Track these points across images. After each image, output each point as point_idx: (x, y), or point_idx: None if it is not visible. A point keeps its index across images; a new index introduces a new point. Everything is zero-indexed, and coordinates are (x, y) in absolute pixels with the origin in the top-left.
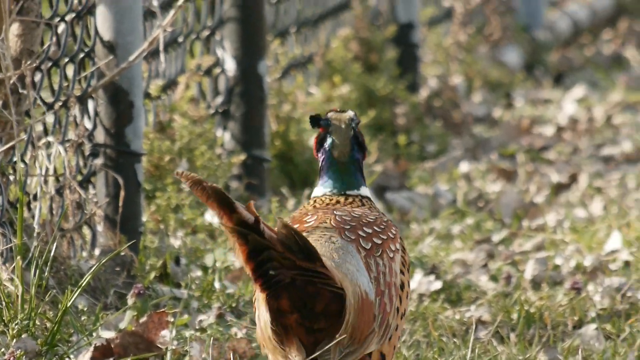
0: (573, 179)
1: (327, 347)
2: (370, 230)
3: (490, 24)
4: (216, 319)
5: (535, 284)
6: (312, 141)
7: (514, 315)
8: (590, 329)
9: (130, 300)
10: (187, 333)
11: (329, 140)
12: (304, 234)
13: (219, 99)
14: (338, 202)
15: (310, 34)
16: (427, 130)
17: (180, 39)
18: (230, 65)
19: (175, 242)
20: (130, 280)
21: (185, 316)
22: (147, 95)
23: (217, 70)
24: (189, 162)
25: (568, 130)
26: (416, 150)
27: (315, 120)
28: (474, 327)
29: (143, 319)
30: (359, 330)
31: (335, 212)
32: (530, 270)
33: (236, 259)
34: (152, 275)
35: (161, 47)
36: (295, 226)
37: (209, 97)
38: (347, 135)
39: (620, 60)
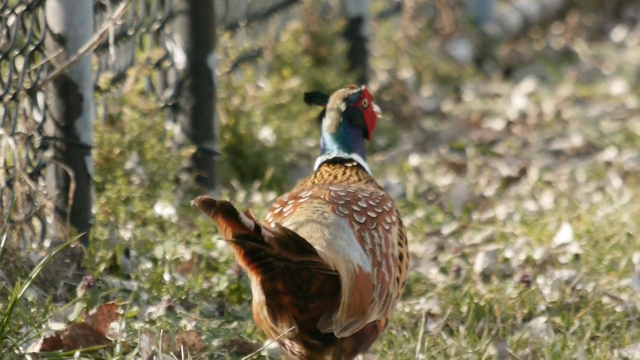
0: (523, 172)
1: (329, 320)
2: (364, 205)
3: (441, 17)
4: (166, 311)
5: (485, 276)
6: (261, 134)
7: (464, 308)
8: (539, 322)
9: (79, 292)
10: (137, 325)
11: (323, 119)
12: (299, 208)
13: (169, 92)
14: (335, 177)
15: (260, 27)
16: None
17: (130, 32)
18: (180, 59)
19: (125, 234)
20: (80, 272)
21: (135, 308)
22: (97, 88)
23: (167, 64)
24: (139, 155)
25: (518, 124)
26: (366, 143)
27: (310, 97)
28: (423, 320)
29: (93, 311)
30: (356, 305)
31: (330, 187)
32: (480, 263)
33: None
34: (102, 267)
35: (111, 40)
36: (291, 202)
37: (158, 90)
38: (338, 112)
39: (569, 54)
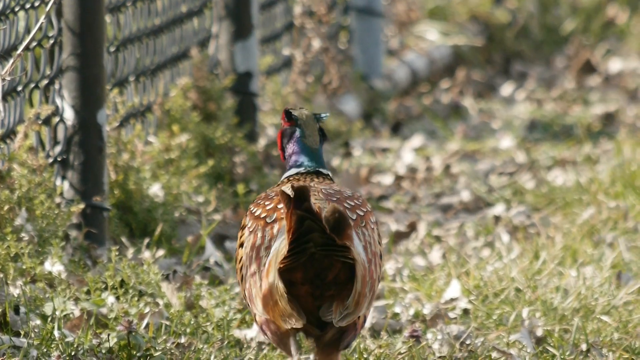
0: (412, 227)
1: (330, 309)
2: (352, 203)
3: (329, 72)
4: None
5: (375, 332)
6: (151, 190)
7: None
8: None
9: None
10: None
11: (299, 131)
12: None
13: (58, 148)
14: (312, 180)
15: (149, 82)
16: (265, 179)
17: (20, 88)
18: (69, 114)
19: (15, 291)
20: None
21: None
22: None
23: (56, 119)
24: (28, 211)
25: (407, 179)
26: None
27: (289, 114)
28: None
29: None
30: (362, 295)
31: (317, 186)
32: (369, 318)
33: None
34: None
35: (0, 96)
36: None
37: (48, 146)
38: (315, 127)
39: (458, 109)
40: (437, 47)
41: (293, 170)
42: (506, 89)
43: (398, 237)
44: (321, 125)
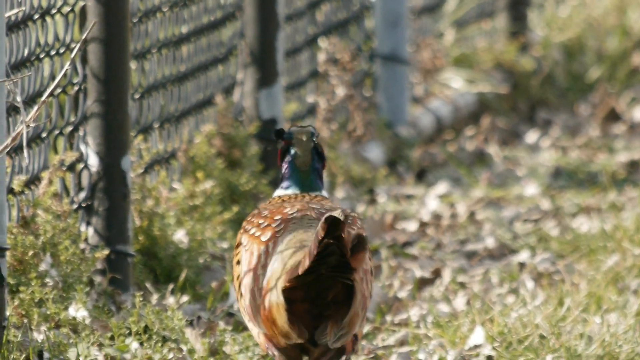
0: (436, 274)
1: (325, 331)
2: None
3: (353, 120)
4: None
5: None
6: (175, 236)
7: None
8: None
9: None
10: None
11: (291, 152)
12: (291, 224)
13: (83, 194)
14: (304, 197)
15: (174, 129)
16: None
17: (44, 134)
18: (94, 161)
19: (39, 337)
20: None
21: None
22: (11, 191)
23: (81, 166)
24: (53, 257)
25: (431, 226)
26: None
27: (279, 133)
28: None
29: None
30: (355, 315)
31: (309, 203)
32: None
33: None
34: None
35: (25, 143)
36: (278, 217)
37: (72, 192)
38: (308, 147)
39: (482, 156)
40: (462, 95)
41: (281, 192)
42: (531, 136)
43: (422, 283)
44: (318, 143)
